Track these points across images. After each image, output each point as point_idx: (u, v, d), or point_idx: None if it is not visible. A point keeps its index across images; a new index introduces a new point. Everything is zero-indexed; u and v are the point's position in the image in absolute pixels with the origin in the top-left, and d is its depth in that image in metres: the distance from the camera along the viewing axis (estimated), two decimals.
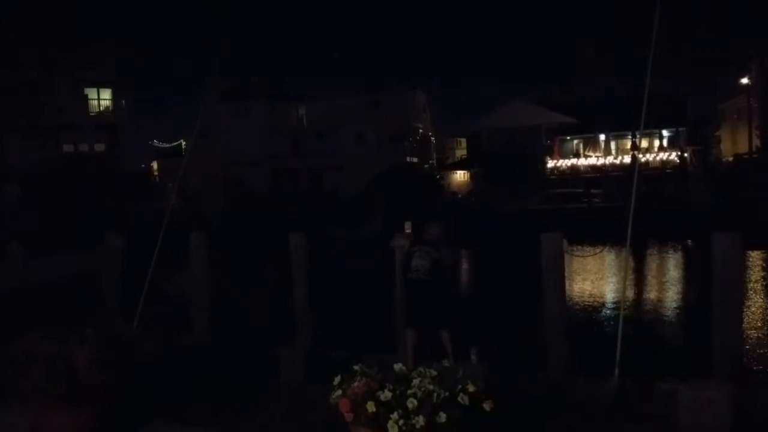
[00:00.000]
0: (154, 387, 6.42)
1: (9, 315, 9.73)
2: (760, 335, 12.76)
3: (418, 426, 4.24)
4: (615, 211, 10.40)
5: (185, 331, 9.94)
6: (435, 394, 4.34)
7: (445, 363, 5.27)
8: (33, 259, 20.53)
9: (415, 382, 4.44)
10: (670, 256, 26.08)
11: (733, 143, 52.28)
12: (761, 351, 11.70)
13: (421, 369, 4.60)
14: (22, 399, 5.62)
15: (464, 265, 6.87)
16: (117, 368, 5.67)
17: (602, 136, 52.49)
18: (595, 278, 20.10)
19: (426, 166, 59.02)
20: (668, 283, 20.35)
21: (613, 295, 17.46)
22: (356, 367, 4.65)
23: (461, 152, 67.20)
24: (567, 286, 8.18)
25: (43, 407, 5.58)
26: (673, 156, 46.81)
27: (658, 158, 48.27)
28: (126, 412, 5.94)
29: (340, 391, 4.54)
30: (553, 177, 48.74)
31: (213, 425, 6.02)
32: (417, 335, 7.44)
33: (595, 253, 14.64)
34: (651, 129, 45.34)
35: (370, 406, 4.32)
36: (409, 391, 4.37)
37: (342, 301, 16.05)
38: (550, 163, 51.60)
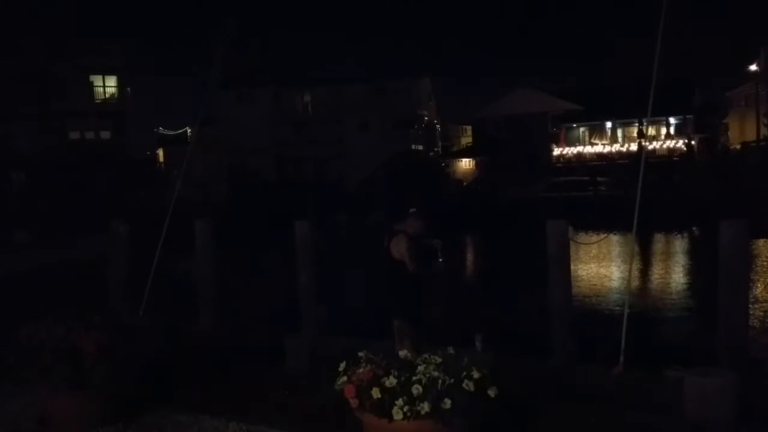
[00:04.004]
0: (159, 374, 6.45)
1: (16, 301, 9.79)
2: (766, 323, 12.74)
3: (422, 412, 4.24)
4: (621, 199, 10.37)
5: (191, 318, 9.98)
6: (440, 381, 4.34)
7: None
8: (39, 245, 20.66)
9: (420, 368, 4.44)
10: (677, 243, 26.00)
11: (741, 131, 51.96)
12: None
13: (426, 356, 4.60)
14: (28, 385, 5.65)
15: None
16: (123, 355, 5.69)
17: (609, 124, 52.31)
18: (601, 265, 20.07)
19: (431, 153, 58.86)
20: (674, 270, 20.31)
21: (618, 282, 17.43)
22: (361, 354, 4.65)
23: (467, 140, 67.02)
24: (572, 273, 8.16)
25: (49, 393, 5.61)
26: (680, 144, 46.66)
27: (665, 146, 48.14)
28: (132, 399, 5.97)
29: (345, 378, 4.54)
30: (559, 165, 48.67)
31: (218, 412, 6.04)
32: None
33: (600, 240, 14.65)
34: (658, 117, 45.14)
35: (375, 393, 4.33)
36: (414, 378, 4.37)
37: (347, 288, 16.07)
38: (556, 151, 51.49)
